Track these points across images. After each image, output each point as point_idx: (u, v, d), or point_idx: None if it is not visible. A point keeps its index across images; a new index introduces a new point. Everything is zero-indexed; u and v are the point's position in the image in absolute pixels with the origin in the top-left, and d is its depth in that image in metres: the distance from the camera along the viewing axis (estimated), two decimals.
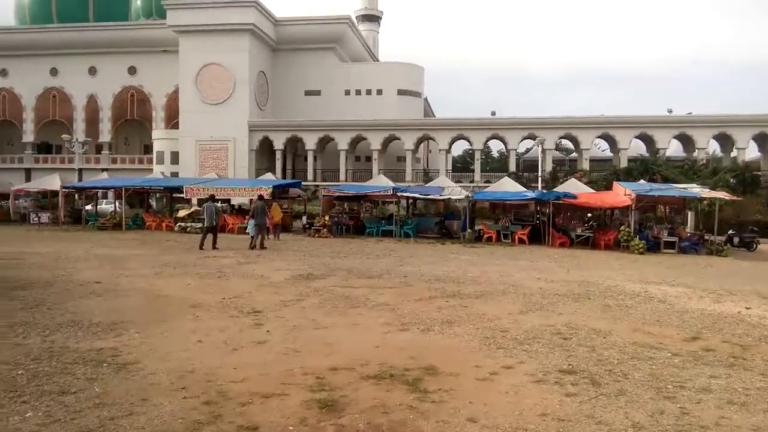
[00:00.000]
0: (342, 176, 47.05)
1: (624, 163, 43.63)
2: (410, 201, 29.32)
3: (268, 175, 31.73)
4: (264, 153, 49.16)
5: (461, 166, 79.85)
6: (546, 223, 24.34)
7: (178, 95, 50.08)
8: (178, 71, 48.91)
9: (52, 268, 11.80)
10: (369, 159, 49.22)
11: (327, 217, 25.50)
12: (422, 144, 51.58)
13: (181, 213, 25.71)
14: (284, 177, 46.20)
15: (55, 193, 28.90)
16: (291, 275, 11.79)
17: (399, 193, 25.35)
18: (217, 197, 25.99)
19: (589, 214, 27.13)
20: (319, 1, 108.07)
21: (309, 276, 11.74)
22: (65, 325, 6.59)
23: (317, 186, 44.92)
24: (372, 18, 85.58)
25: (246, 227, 23.15)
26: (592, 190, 26.69)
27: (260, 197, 20.65)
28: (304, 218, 26.19)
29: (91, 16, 58.30)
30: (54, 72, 55.68)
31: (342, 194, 26.86)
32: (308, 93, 53.06)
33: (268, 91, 51.93)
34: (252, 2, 47.38)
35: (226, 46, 47.40)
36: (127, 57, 54.43)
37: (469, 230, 24.52)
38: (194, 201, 29.81)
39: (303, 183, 36.90)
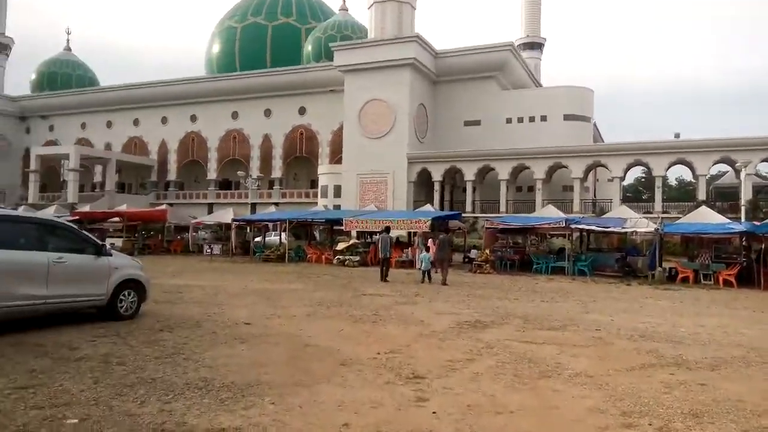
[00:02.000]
0: (502, 207, 44.67)
1: None
2: (583, 234, 26.20)
3: (427, 207, 30.57)
4: (422, 185, 48.57)
5: (632, 196, 72.96)
6: (758, 262, 19.96)
7: (341, 132, 51.73)
8: (343, 108, 50.58)
9: (207, 305, 11.35)
10: (531, 189, 46.29)
11: (489, 252, 23.51)
12: (590, 173, 47.39)
13: (340, 246, 25.39)
14: (442, 209, 44.96)
15: (228, 226, 30.43)
16: (455, 322, 10.06)
17: (573, 225, 22.54)
18: (373, 230, 25.43)
19: None
20: (480, 32, 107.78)
21: (477, 324, 9.92)
22: (193, 386, 5.49)
23: (476, 218, 43.09)
24: (534, 45, 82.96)
25: (404, 259, 22.07)
26: None
27: (386, 229, 19.56)
28: (474, 252, 24.32)
29: (269, 63, 63.33)
30: (235, 115, 60.89)
31: (506, 226, 24.66)
32: (468, 123, 51.81)
33: (427, 123, 51.59)
34: (413, 38, 47.71)
35: (387, 82, 48.06)
36: (298, 98, 57.83)
37: (659, 269, 20.92)
38: (353, 233, 29.56)
39: (462, 215, 35.18)
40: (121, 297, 9.07)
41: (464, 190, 47.87)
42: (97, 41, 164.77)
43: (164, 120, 63.78)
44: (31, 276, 7.72)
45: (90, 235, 9.07)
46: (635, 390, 5.81)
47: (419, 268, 19.06)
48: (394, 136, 48.08)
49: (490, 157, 45.97)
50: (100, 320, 8.93)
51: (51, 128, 69.57)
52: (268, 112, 59.51)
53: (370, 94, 48.90)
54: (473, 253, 23.81)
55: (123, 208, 34.05)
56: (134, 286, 9.31)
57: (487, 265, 22.20)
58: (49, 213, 36.95)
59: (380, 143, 48.38)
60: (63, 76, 71.96)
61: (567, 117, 49.05)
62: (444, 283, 17.01)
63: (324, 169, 52.66)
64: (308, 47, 62.43)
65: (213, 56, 69.05)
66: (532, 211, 39.23)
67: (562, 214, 25.33)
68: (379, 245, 18.24)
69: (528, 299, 14.02)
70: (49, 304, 8.00)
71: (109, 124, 66.39)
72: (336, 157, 54.37)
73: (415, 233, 25.40)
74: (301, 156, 58.33)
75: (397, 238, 29.74)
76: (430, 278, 17.77)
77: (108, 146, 65.07)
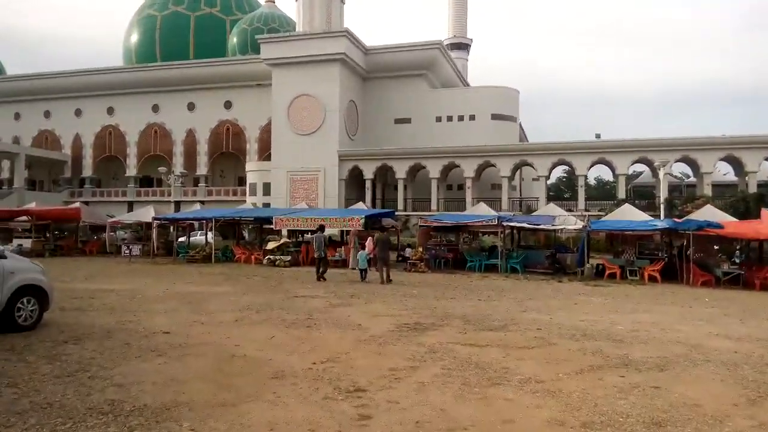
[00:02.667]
0: (434, 205, 44.91)
1: (753, 188, 38.47)
2: (513, 232, 26.49)
3: (359, 205, 30.08)
4: (354, 183, 48.04)
5: (554, 195, 75.56)
6: (680, 257, 20.76)
7: (270, 127, 50.33)
8: (271, 103, 49.19)
9: (121, 312, 10.28)
10: (461, 187, 46.83)
11: (422, 250, 23.26)
12: (517, 171, 48.46)
13: (270, 245, 24.36)
14: (374, 207, 44.63)
15: (149, 225, 28.67)
16: (394, 324, 9.56)
17: (505, 223, 22.66)
18: (305, 228, 24.63)
19: (738, 247, 23.10)
20: (408, 31, 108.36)
21: (417, 326, 9.46)
22: (97, 411, 4.67)
23: (408, 216, 43.02)
24: (461, 46, 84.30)
25: (338, 258, 21.48)
26: (734, 219, 22.71)
27: (321, 228, 19.09)
28: (408, 250, 23.95)
29: (192, 54, 60.69)
30: (156, 108, 57.95)
31: (441, 224, 24.51)
32: (398, 121, 51.74)
33: (358, 121, 51.09)
34: (343, 33, 47.02)
35: (317, 77, 47.15)
36: (224, 92, 55.80)
37: (587, 265, 21.35)
38: (284, 232, 28.59)
39: (395, 212, 34.91)
40: (19, 305, 7.94)
41: (396, 187, 47.74)
42: (4, 31, 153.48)
43: (78, 112, 59.88)
44: None
45: None
46: (590, 396, 5.50)
47: (354, 267, 18.63)
48: (325, 133, 47.25)
49: (421, 155, 46.05)
50: None
51: None
52: (191, 106, 57.05)
53: (299, 89, 47.80)
54: (408, 252, 23.45)
55: (32, 206, 31.35)
56: (34, 292, 8.19)
57: (422, 263, 21.93)
58: None
59: (310, 140, 47.41)
60: None
61: (494, 116, 49.95)
62: (389, 281, 16.84)
63: (252, 166, 51.08)
64: (233, 39, 60.40)
65: (131, 46, 65.49)
66: (463, 209, 39.58)
67: (493, 212, 25.46)
68: (314, 244, 17.93)
69: (465, 298, 13.75)
70: None
71: (17, 116, 61.65)
72: (265, 153, 52.90)
73: (347, 232, 24.78)
74: (228, 152, 56.33)
75: (330, 236, 29.08)
76: (365, 277, 17.57)
77: (16, 140, 60.36)
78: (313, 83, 47.18)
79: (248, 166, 51.49)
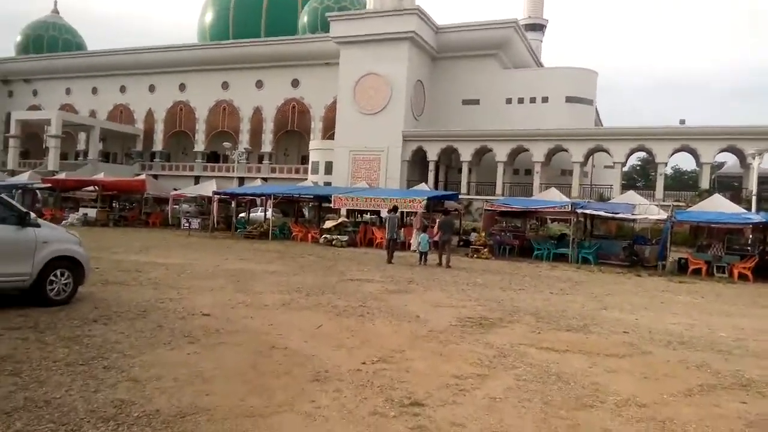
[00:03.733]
0: (498, 190, 43.14)
1: None
2: (583, 220, 24.65)
3: (422, 186, 28.92)
4: (417, 164, 46.87)
5: (625, 183, 71.63)
6: None
7: (335, 106, 49.77)
8: (338, 82, 48.54)
9: (165, 288, 9.67)
10: (529, 172, 44.77)
11: (485, 235, 21.90)
12: (590, 157, 45.82)
13: (328, 224, 23.69)
14: (436, 189, 43.33)
15: (211, 199, 28.64)
16: (456, 317, 8.48)
17: (579, 210, 20.97)
18: (364, 209, 23.77)
19: None
20: (479, 11, 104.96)
21: (482, 321, 8.33)
22: (98, 416, 3.87)
23: (471, 200, 41.55)
24: (536, 27, 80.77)
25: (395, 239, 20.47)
26: None
27: (394, 208, 18.19)
28: (473, 235, 22.74)
29: (263, 32, 60.80)
30: (225, 86, 58.60)
31: (508, 209, 23.04)
32: (466, 102, 49.93)
33: (425, 101, 49.66)
34: (414, 10, 45.53)
35: (385, 56, 46.03)
36: (291, 70, 55.72)
37: (669, 259, 19.45)
38: (343, 212, 27.89)
39: (459, 196, 33.51)
40: (52, 278, 7.38)
41: (460, 170, 46.23)
42: (85, 5, 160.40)
43: (152, 88, 61.40)
44: None
45: (10, 200, 7.28)
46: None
47: (415, 250, 17.80)
48: (390, 113, 46.18)
49: (488, 137, 44.25)
50: (26, 305, 7.27)
51: (35, 93, 66.92)
52: (259, 84, 57.32)
53: (366, 67, 46.86)
54: (473, 237, 22.15)
55: (100, 176, 32.09)
56: (69, 264, 7.61)
57: (485, 249, 20.64)
58: (22, 179, 35.03)
59: (375, 119, 46.50)
60: (50, 39, 68.93)
61: (569, 99, 47.30)
62: (447, 266, 16.18)
63: (315, 145, 50.76)
64: (304, 18, 59.98)
65: (205, 25, 66.31)
66: (529, 195, 37.75)
67: (566, 198, 23.76)
68: (387, 225, 17.45)
69: (535, 290, 12.46)
70: None
71: (94, 91, 63.88)
72: (329, 132, 52.50)
73: (408, 213, 23.76)
74: (293, 130, 56.33)
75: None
76: (426, 260, 16.84)
77: (93, 113, 62.64)
78: (381, 62, 46.09)
79: (311, 145, 51.25)
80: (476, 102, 49.35)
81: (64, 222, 27.76)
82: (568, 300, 11.28)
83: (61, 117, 55.43)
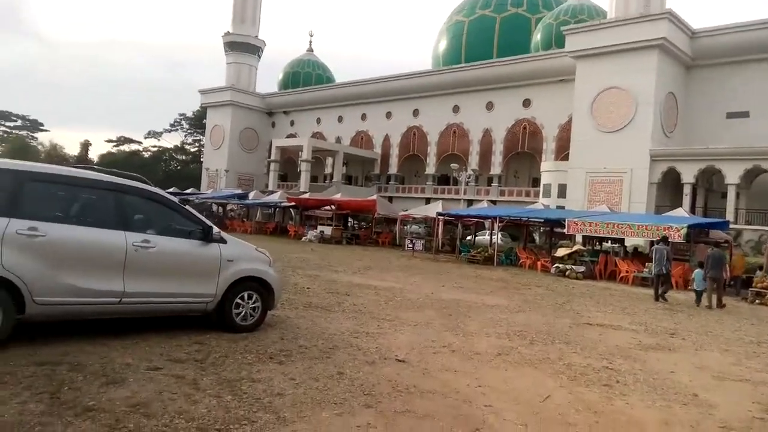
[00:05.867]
0: None
1: None
2: None
3: (679, 211, 24.34)
4: (667, 187, 40.68)
5: None
6: None
7: (569, 126, 46.19)
8: (572, 100, 45.01)
9: (367, 318, 8.48)
10: None
11: None
12: None
13: (560, 252, 20.93)
14: (693, 215, 36.89)
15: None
16: (758, 402, 5.62)
17: None
18: (604, 236, 20.56)
19: None
20: (740, 10, 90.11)
21: None
22: None
23: (741, 229, 34.32)
24: None
25: (646, 275, 17.17)
26: None
27: (664, 239, 15.02)
28: (758, 273, 18.02)
29: (495, 55, 60.07)
30: (456, 109, 58.99)
31: None
32: (731, 115, 42.08)
33: (677, 116, 43.20)
34: (664, 14, 40.02)
35: (628, 67, 41.22)
36: (522, 90, 53.76)
37: None
38: (578, 238, 24.75)
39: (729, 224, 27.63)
40: (238, 301, 6.64)
41: (723, 195, 38.77)
42: (334, 42, 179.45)
43: (388, 114, 64.73)
44: (99, 264, 5.60)
45: (195, 212, 6.67)
46: None
47: (691, 288, 14.93)
48: (634, 130, 40.96)
49: (763, 155, 36.32)
50: (212, 328, 6.60)
51: (292, 123, 75.75)
52: (489, 105, 56.37)
53: (605, 81, 42.47)
54: (758, 275, 17.36)
55: (337, 197, 33.90)
56: (257, 286, 6.81)
57: None
58: (274, 198, 38.89)
59: (616, 138, 41.69)
60: (304, 75, 77.83)
61: None
62: (720, 306, 14.09)
63: (548, 167, 47.60)
64: (537, 36, 57.64)
65: (439, 53, 68.12)
66: None
67: None
68: (654, 257, 15.34)
69: None
70: (126, 305, 5.80)
71: (340, 119, 69.74)
72: (562, 153, 48.92)
73: (657, 241, 19.83)
74: (523, 152, 53.95)
75: (635, 248, 24.21)
76: (700, 301, 14.36)
77: (338, 140, 68.32)
78: (623, 74, 41.37)
79: (543, 166, 48.23)
80: (745, 114, 41.29)
81: (303, 238, 29.69)
82: None
83: (311, 144, 61.38)
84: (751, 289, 16.55)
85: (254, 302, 6.74)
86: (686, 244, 19.01)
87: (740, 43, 40.85)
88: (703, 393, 5.85)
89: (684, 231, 17.47)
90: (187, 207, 6.48)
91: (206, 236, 6.36)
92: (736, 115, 41.88)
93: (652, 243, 24.06)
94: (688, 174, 39.14)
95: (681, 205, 36.77)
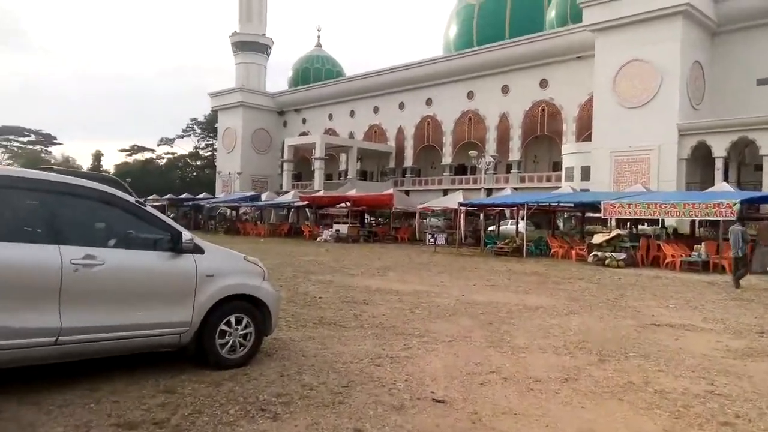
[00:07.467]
0: None
1: None
2: None
3: (723, 185, 22.41)
4: (696, 163, 38.60)
5: None
6: None
7: (590, 105, 44.15)
8: (592, 77, 42.94)
9: (390, 334, 6.95)
10: None
11: None
12: None
13: (597, 238, 19.20)
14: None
15: (458, 212, 26.39)
16: None
17: None
18: (645, 218, 18.79)
19: None
20: None
21: None
22: None
23: None
24: None
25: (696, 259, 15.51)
26: None
27: (740, 219, 13.73)
28: None
29: (507, 36, 57.97)
30: (470, 95, 57.18)
31: None
32: (762, 82, 39.80)
33: (705, 86, 40.96)
34: None
35: (651, 38, 39.11)
36: (539, 70, 51.81)
37: None
38: (612, 222, 22.97)
39: None
40: (224, 327, 5.10)
41: (757, 167, 36.56)
42: (342, 35, 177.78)
43: (401, 106, 63.08)
44: (22, 292, 4.09)
45: (160, 215, 5.06)
46: None
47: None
48: (660, 104, 38.88)
49: None
50: (189, 364, 5.13)
51: (304, 121, 74.41)
52: (505, 89, 54.46)
53: (627, 54, 40.40)
54: None
55: (352, 193, 32.42)
56: (248, 307, 5.28)
57: None
58: (287, 198, 37.53)
59: (640, 113, 39.64)
60: (314, 71, 76.34)
61: None
62: (737, 286, 13.08)
63: (569, 149, 45.61)
64: (551, 13, 55.45)
65: (450, 39, 66.14)
66: None
67: None
68: (730, 239, 14.16)
69: None
70: (66, 345, 4.25)
71: (352, 114, 68.23)
72: (584, 134, 46.90)
73: (712, 223, 18.05)
74: (542, 135, 52.00)
75: (674, 229, 22.39)
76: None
77: (351, 135, 66.83)
78: (646, 46, 39.28)
79: (564, 149, 46.26)
80: None
81: (318, 238, 28.25)
82: None
83: (323, 140, 59.99)
84: None
85: (245, 328, 5.16)
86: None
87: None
88: None
89: (737, 206, 15.65)
90: (148, 208, 4.93)
91: (175, 245, 4.81)
92: (767, 81, 39.55)
93: (692, 223, 22.28)
94: (720, 147, 37.02)
95: (713, 181, 34.74)
